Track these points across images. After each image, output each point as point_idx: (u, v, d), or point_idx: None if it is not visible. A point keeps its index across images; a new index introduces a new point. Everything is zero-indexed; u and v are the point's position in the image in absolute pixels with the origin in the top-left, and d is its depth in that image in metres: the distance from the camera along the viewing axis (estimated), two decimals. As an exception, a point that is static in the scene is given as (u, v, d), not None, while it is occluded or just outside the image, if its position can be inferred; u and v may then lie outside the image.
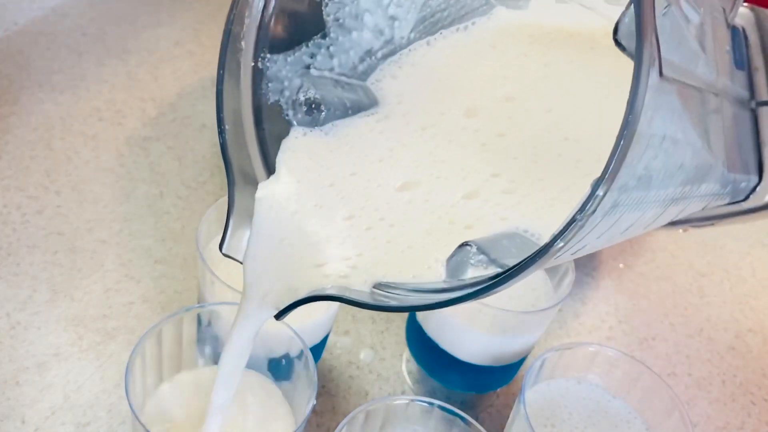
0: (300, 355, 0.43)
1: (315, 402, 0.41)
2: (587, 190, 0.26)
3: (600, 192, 0.26)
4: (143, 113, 0.71)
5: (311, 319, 0.47)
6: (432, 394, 0.52)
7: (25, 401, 0.49)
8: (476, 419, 0.42)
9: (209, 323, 0.45)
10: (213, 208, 0.48)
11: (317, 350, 0.50)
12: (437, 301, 0.32)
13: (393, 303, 0.34)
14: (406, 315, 0.57)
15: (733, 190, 0.44)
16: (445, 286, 0.33)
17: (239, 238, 0.37)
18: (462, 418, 0.42)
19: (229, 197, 0.38)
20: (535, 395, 0.46)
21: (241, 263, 0.37)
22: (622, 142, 0.25)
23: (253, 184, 0.39)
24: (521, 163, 0.38)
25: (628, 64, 0.26)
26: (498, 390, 0.56)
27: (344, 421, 0.40)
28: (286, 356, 0.45)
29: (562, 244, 0.27)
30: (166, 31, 0.81)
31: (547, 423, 0.45)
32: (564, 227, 0.27)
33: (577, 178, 0.37)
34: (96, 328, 0.54)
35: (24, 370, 0.50)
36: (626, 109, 0.25)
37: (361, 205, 0.38)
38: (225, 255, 0.37)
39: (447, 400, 0.43)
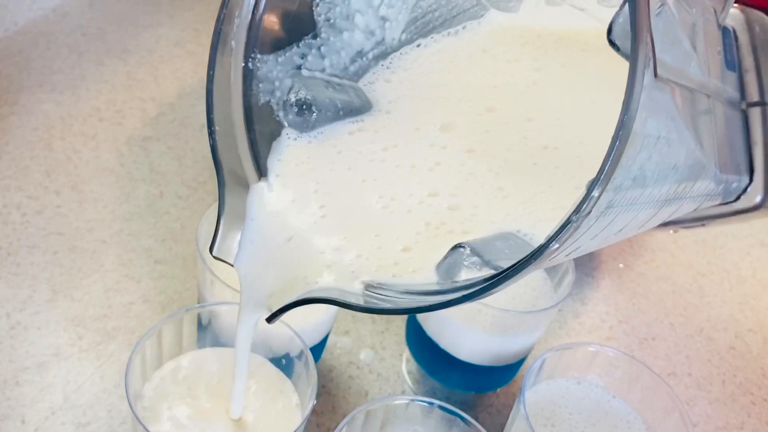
0: (300, 355, 0.43)
1: (315, 402, 0.41)
2: (582, 191, 0.26)
3: (595, 193, 0.26)
4: (143, 113, 0.71)
5: (311, 319, 0.47)
6: (432, 394, 0.52)
7: (25, 401, 0.49)
8: (476, 419, 0.42)
9: (209, 323, 0.45)
10: (213, 208, 0.48)
11: (317, 350, 0.50)
12: (430, 303, 0.31)
13: (384, 305, 0.33)
14: (405, 316, 0.57)
15: (724, 191, 0.44)
16: (438, 288, 0.33)
17: (230, 241, 0.37)
18: (462, 418, 0.42)
19: (219, 199, 0.37)
20: (535, 395, 0.46)
21: (232, 266, 0.37)
22: (617, 143, 0.25)
23: (244, 185, 0.39)
24: (476, 177, 0.38)
25: (620, 66, 0.26)
26: (498, 390, 0.56)
27: (344, 421, 0.40)
28: (286, 356, 0.45)
29: (557, 246, 0.27)
30: (166, 31, 0.81)
31: (547, 423, 0.45)
32: (559, 229, 0.27)
33: (554, 183, 0.37)
34: (96, 328, 0.54)
35: (24, 370, 0.50)
36: (622, 109, 0.25)
37: (339, 215, 0.38)
38: (215, 257, 0.37)
39: (447, 400, 0.43)
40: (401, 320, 0.59)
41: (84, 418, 0.49)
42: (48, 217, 0.60)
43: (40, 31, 0.77)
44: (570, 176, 0.37)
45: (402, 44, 0.44)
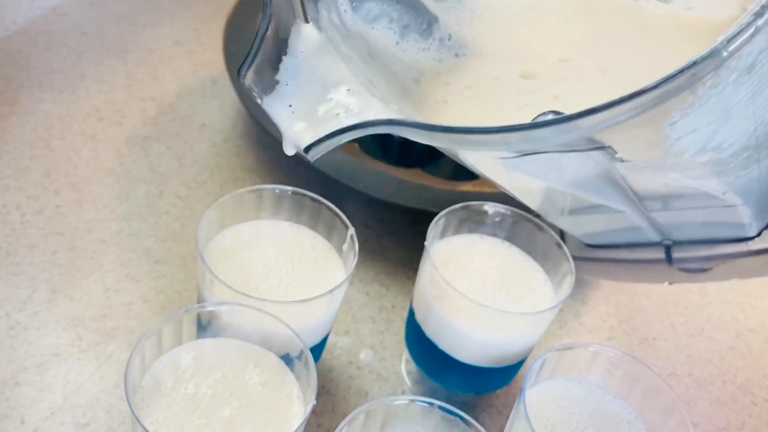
0: (300, 355, 0.43)
1: (315, 402, 0.41)
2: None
3: None
4: (143, 113, 0.71)
5: (311, 319, 0.47)
6: (432, 395, 0.52)
7: (25, 401, 0.49)
8: (476, 419, 0.42)
9: (209, 323, 0.45)
10: (213, 208, 0.48)
11: (317, 350, 0.50)
12: (485, 126, 0.30)
13: (432, 122, 0.31)
14: (405, 316, 0.57)
15: (752, 217, 0.42)
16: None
17: (261, 74, 0.35)
18: (462, 418, 0.42)
19: (263, 21, 0.34)
20: (535, 395, 0.46)
21: (257, 99, 0.35)
22: None
23: (291, 17, 0.36)
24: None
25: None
26: (498, 390, 0.56)
27: (344, 421, 0.40)
28: (286, 356, 0.45)
29: (726, 54, 0.25)
30: (166, 30, 0.81)
31: (547, 423, 0.45)
32: (739, 29, 0.25)
33: None
34: (96, 328, 0.54)
35: (24, 370, 0.50)
36: None
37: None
38: (244, 83, 0.34)
39: (447, 400, 0.43)
40: (401, 320, 0.59)
41: (84, 418, 0.49)
42: (47, 217, 0.60)
43: (40, 30, 0.77)
44: None
45: None
